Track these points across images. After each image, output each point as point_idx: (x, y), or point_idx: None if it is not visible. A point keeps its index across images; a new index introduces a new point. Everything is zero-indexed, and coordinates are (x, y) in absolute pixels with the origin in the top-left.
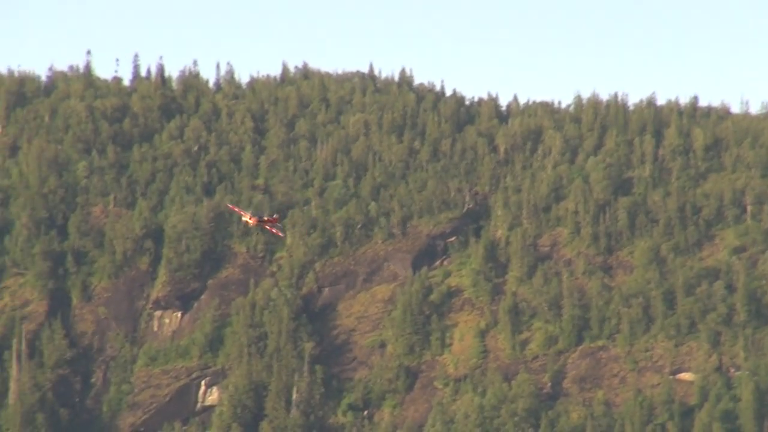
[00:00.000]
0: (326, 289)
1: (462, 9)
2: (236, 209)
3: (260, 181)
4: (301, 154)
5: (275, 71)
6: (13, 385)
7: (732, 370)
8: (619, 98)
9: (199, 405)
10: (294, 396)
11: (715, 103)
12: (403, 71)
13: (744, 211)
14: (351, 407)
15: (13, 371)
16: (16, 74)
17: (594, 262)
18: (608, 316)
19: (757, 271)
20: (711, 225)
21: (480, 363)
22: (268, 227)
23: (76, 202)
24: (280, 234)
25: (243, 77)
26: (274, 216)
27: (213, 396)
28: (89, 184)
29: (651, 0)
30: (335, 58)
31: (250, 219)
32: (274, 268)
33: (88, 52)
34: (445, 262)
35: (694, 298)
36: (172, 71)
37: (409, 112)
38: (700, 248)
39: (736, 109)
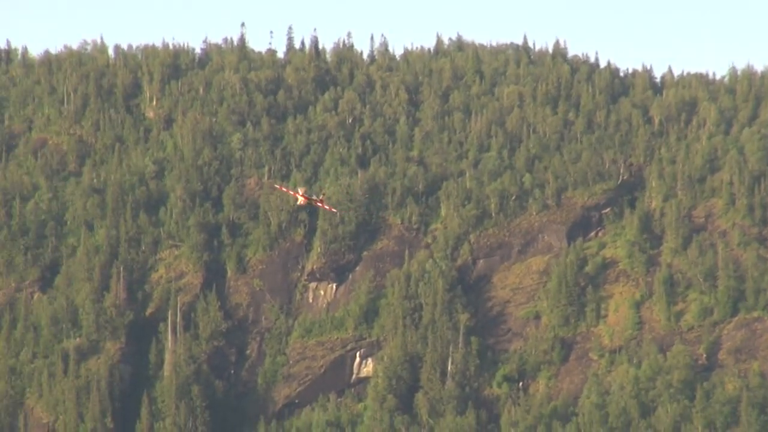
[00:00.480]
0: (481, 261)
1: None
2: (284, 188)
3: (414, 153)
4: (455, 125)
5: (429, 43)
6: (168, 357)
7: None
8: None
9: (354, 377)
10: (449, 367)
11: None
12: (557, 43)
13: None
14: (506, 378)
15: (169, 343)
16: (170, 47)
17: (749, 233)
18: (764, 288)
19: None
20: None
21: (635, 334)
22: (319, 205)
23: (230, 175)
24: (334, 210)
25: (397, 49)
26: (321, 197)
27: (368, 368)
28: (244, 157)
29: None
30: (489, 30)
31: (301, 196)
32: (429, 240)
33: (242, 25)
34: (600, 234)
35: None
36: (326, 43)
37: (564, 83)
38: None
39: None
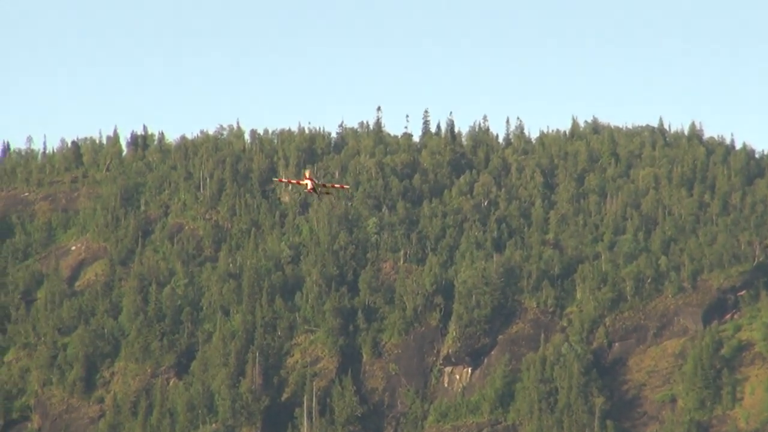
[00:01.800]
0: (616, 344)
1: (751, 62)
2: (285, 180)
3: (550, 236)
4: (590, 208)
5: (565, 125)
6: None
7: None
8: None
9: None
10: None
11: None
12: (692, 124)
13: None
14: None
15: (305, 428)
16: (306, 131)
17: None
18: None
19: None
20: None
21: None
22: (330, 186)
23: (366, 259)
24: (345, 186)
25: (533, 132)
26: (330, 183)
27: None
28: (379, 240)
29: None
30: (625, 112)
31: (308, 180)
32: (565, 323)
33: (378, 108)
34: (736, 316)
35: None
36: (462, 126)
37: (699, 165)
38: None
39: None
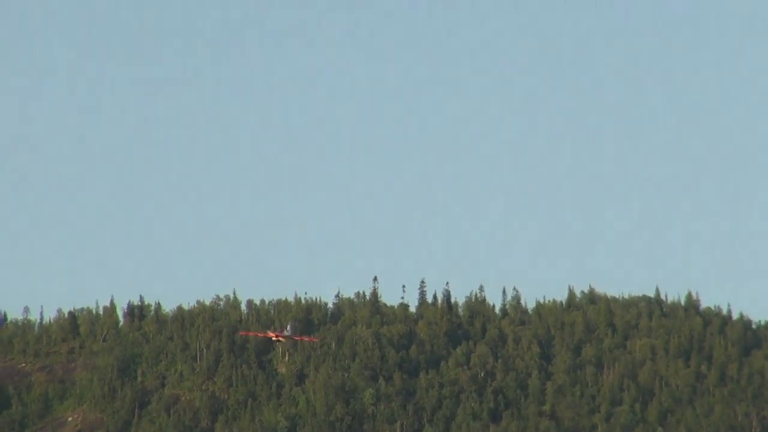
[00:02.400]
0: None
1: (748, 234)
2: (252, 333)
3: (547, 407)
4: (587, 379)
5: (561, 296)
6: None
7: None
8: None
9: None
10: None
11: None
12: (689, 295)
13: None
14: None
15: None
16: (303, 301)
17: None
18: None
19: None
20: None
21: None
22: (298, 337)
23: (363, 430)
24: (314, 339)
25: (529, 302)
26: (308, 336)
27: None
28: (376, 411)
29: None
30: (622, 282)
31: (274, 336)
32: None
33: (375, 279)
34: None
35: None
36: (459, 297)
37: (696, 336)
38: None
39: None
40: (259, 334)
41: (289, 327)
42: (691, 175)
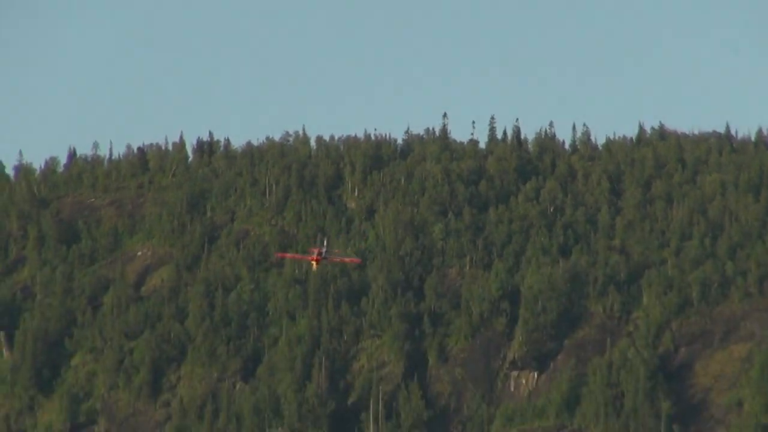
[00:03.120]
0: (683, 349)
1: None
2: (290, 255)
3: (616, 242)
4: (657, 214)
5: (631, 132)
6: None
7: None
8: None
9: None
10: None
11: None
12: (759, 131)
13: None
14: None
15: None
16: (372, 138)
17: None
18: None
19: None
20: None
21: None
22: (338, 259)
23: (432, 264)
24: (356, 260)
25: (599, 138)
26: (346, 258)
27: None
28: (445, 246)
29: None
30: (692, 118)
31: (314, 259)
32: (631, 328)
33: (444, 115)
34: None
35: None
36: (528, 133)
37: (766, 171)
38: None
39: None
40: (297, 256)
41: (325, 245)
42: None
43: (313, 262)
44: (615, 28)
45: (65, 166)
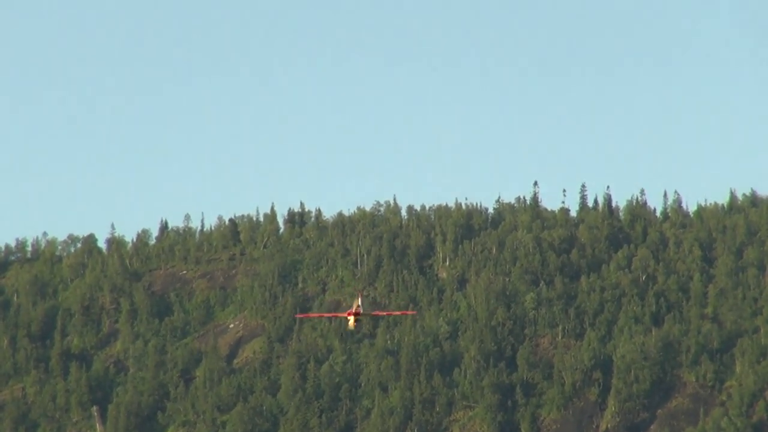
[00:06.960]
0: None
1: None
2: (312, 315)
3: (709, 310)
4: (749, 281)
5: (723, 199)
6: None
7: None
8: None
9: None
10: None
11: None
12: None
13: None
14: None
15: None
16: (463, 207)
17: None
18: None
19: None
20: None
21: None
22: (386, 312)
23: (524, 334)
24: (411, 312)
25: (690, 205)
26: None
27: None
28: (537, 316)
29: None
30: None
31: (350, 314)
32: (724, 397)
33: (535, 183)
34: None
35: None
36: (619, 201)
37: None
38: None
39: None
40: (325, 315)
41: (359, 301)
42: None
43: (350, 318)
44: (704, 95)
45: (157, 238)
